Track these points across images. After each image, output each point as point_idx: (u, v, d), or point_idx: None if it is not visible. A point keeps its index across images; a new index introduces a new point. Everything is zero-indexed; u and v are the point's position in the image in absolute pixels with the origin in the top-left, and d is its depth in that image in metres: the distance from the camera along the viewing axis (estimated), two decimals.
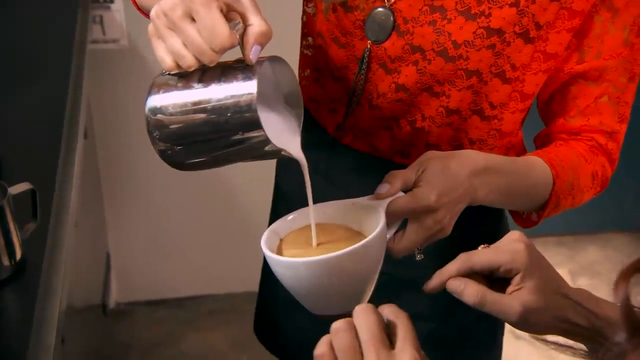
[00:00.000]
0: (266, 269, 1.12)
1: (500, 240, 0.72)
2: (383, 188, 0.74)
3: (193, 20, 0.63)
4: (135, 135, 2.02)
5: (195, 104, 0.65)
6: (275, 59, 0.68)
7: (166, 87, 0.67)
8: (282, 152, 0.68)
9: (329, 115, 0.94)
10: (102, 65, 1.89)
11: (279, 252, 0.72)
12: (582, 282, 2.35)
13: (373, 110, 0.88)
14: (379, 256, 0.71)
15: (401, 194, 0.74)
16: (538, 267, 0.69)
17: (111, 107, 1.98)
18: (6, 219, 0.86)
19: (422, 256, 0.79)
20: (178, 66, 0.65)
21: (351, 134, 0.92)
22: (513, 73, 0.82)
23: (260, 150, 0.66)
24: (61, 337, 0.89)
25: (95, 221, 1.87)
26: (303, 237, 0.74)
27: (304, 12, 0.95)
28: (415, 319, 0.97)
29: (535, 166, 0.84)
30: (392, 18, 0.82)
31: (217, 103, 0.65)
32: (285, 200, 1.06)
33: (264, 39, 0.65)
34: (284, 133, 0.70)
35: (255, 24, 0.65)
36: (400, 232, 0.75)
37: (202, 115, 0.65)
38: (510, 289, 0.69)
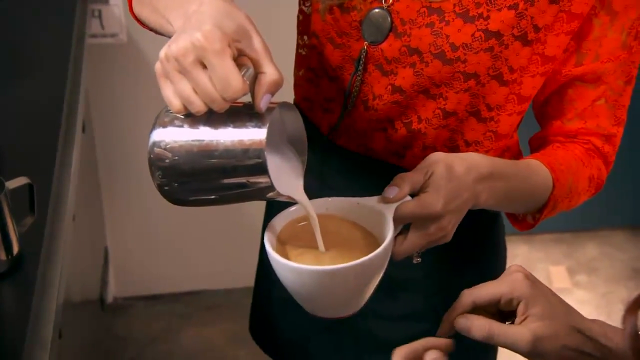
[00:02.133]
0: (261, 269, 1.11)
1: (502, 275, 0.72)
2: (391, 192, 0.73)
3: (204, 66, 0.62)
4: (133, 129, 2.02)
5: (201, 145, 0.65)
6: (284, 106, 0.68)
7: (172, 124, 0.67)
8: (285, 198, 0.68)
9: (324, 115, 0.93)
10: (101, 60, 1.89)
11: (280, 248, 0.72)
12: (580, 279, 2.36)
13: (368, 111, 0.87)
14: (385, 264, 0.71)
15: (408, 198, 0.74)
16: (541, 294, 0.69)
17: (110, 101, 1.97)
18: (3, 213, 0.86)
19: (420, 259, 0.79)
20: (186, 108, 0.64)
21: (345, 135, 0.92)
22: (511, 75, 0.81)
23: (263, 195, 0.66)
24: (58, 331, 0.89)
25: (93, 216, 1.87)
26: (305, 233, 0.74)
27: (300, 10, 0.94)
28: (409, 319, 0.97)
29: (536, 170, 0.83)
30: (389, 19, 0.81)
31: (224, 147, 0.64)
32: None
33: (276, 88, 0.65)
34: (287, 177, 0.70)
35: (269, 73, 0.64)
36: (402, 235, 0.74)
37: (208, 158, 0.65)
38: (517, 320, 0.69)
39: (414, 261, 0.79)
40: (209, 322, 2.16)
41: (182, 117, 0.66)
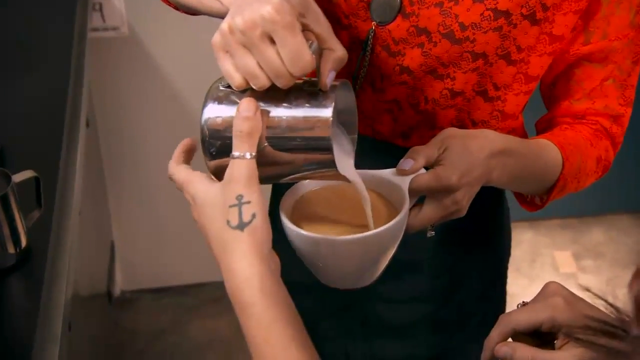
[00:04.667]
0: None
1: (538, 293, 0.70)
2: (407, 164, 0.73)
3: (272, 41, 0.60)
4: (136, 123, 2.02)
5: (263, 123, 0.63)
6: (344, 85, 0.67)
7: (227, 100, 0.65)
8: (341, 178, 0.67)
9: None
10: (103, 53, 1.88)
11: (296, 220, 0.71)
12: (586, 264, 2.35)
13: (376, 93, 0.87)
14: (400, 235, 0.72)
15: (422, 170, 0.74)
16: (581, 317, 0.67)
17: (113, 95, 1.97)
18: (11, 207, 0.86)
19: (433, 233, 0.79)
20: (247, 83, 0.63)
21: None
22: (518, 55, 0.81)
23: (318, 171, 0.65)
24: (68, 324, 0.90)
25: (99, 210, 1.88)
26: (319, 203, 0.73)
27: None
28: (415, 301, 0.97)
29: (546, 149, 0.83)
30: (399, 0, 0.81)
31: (287, 125, 0.63)
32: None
33: (341, 65, 0.64)
34: (341, 155, 0.69)
35: (337, 50, 0.63)
36: (416, 207, 0.75)
37: (270, 136, 0.63)
38: (559, 343, 0.68)
39: (428, 235, 0.79)
40: (216, 313, 2.16)
41: (239, 92, 0.64)
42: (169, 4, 0.85)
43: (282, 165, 0.65)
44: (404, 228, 0.71)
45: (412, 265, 0.94)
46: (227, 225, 0.61)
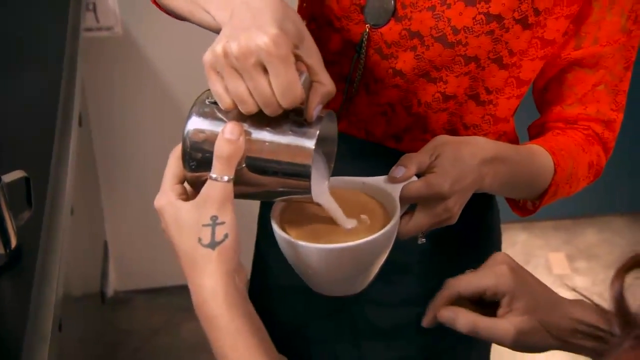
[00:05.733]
0: (258, 257, 1.12)
1: (486, 262, 0.73)
2: (398, 171, 0.73)
3: (265, 70, 0.61)
4: (131, 123, 2.02)
5: (246, 144, 0.64)
6: (329, 116, 0.68)
7: (212, 116, 0.65)
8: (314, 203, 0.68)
9: None
10: (97, 53, 1.88)
11: (286, 226, 0.72)
12: (580, 266, 2.36)
13: (369, 95, 0.87)
14: (391, 242, 0.72)
15: (414, 178, 0.74)
16: (525, 287, 0.70)
17: (106, 95, 1.97)
18: (0, 207, 0.86)
19: (424, 240, 0.79)
20: (235, 105, 0.63)
21: (346, 120, 0.92)
22: (510, 59, 0.81)
23: (293, 195, 0.66)
24: (58, 324, 0.89)
25: (92, 210, 1.87)
26: (310, 209, 0.74)
27: None
28: (404, 304, 0.97)
29: (538, 155, 0.83)
30: (392, 2, 0.81)
31: (269, 150, 0.64)
32: None
33: (328, 99, 0.65)
34: (316, 182, 0.70)
35: (326, 84, 0.64)
36: (407, 214, 0.75)
37: (250, 157, 0.64)
38: (500, 311, 0.70)
39: (419, 241, 0.79)
40: None
41: (224, 111, 0.65)
42: (159, 7, 0.85)
43: (259, 187, 0.66)
44: (394, 236, 0.71)
45: (402, 267, 0.94)
46: (199, 243, 0.63)
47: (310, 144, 0.63)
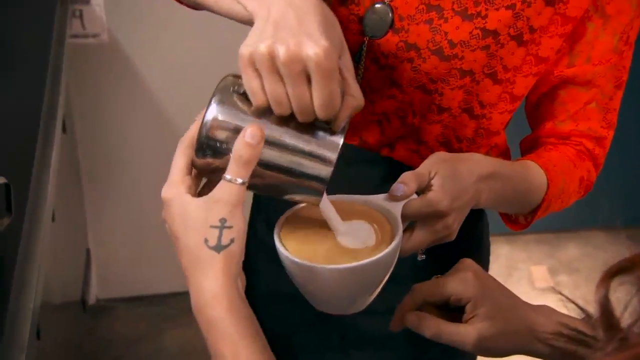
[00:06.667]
0: (246, 264, 1.11)
1: (452, 268, 0.74)
2: (398, 190, 0.73)
3: (308, 77, 0.60)
4: (116, 129, 2.01)
5: (267, 140, 0.63)
6: (347, 126, 0.67)
7: (237, 108, 0.64)
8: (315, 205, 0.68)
9: None
10: (83, 60, 1.88)
11: (285, 231, 0.71)
12: (561, 279, 2.37)
13: (365, 105, 0.88)
14: (394, 261, 0.71)
15: (414, 195, 0.74)
16: (488, 294, 0.71)
17: (92, 102, 1.97)
18: None
19: (424, 257, 0.80)
20: (268, 104, 0.62)
21: None
22: (504, 74, 0.82)
23: (301, 197, 0.66)
24: (36, 332, 0.89)
25: (74, 217, 1.86)
26: (314, 223, 0.73)
27: None
28: (392, 313, 0.97)
29: (532, 171, 0.84)
30: (390, 15, 0.82)
31: (291, 151, 0.63)
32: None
33: (357, 112, 0.65)
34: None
35: (357, 97, 0.64)
36: (407, 232, 0.75)
37: (270, 155, 0.64)
38: (464, 317, 0.71)
39: (419, 258, 0.80)
40: (192, 323, 2.13)
41: (256, 106, 0.64)
42: None
43: (270, 185, 0.65)
44: (397, 255, 0.71)
45: (393, 278, 0.95)
46: (205, 244, 0.62)
47: (334, 155, 0.63)
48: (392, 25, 0.82)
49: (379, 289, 0.73)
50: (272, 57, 0.60)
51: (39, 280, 0.92)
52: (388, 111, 0.87)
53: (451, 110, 0.85)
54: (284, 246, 0.69)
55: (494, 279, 0.74)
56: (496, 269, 2.39)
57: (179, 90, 1.96)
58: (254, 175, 0.64)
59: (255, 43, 0.61)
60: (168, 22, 1.84)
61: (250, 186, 0.65)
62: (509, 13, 0.79)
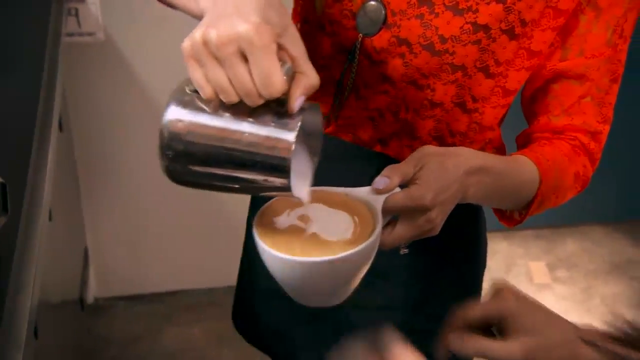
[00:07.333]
0: (245, 260, 1.11)
1: (488, 291, 0.74)
2: (381, 183, 0.72)
3: (245, 58, 0.59)
4: (112, 129, 2.01)
5: (224, 134, 0.63)
6: (313, 108, 0.66)
7: (192, 105, 0.64)
8: (294, 198, 0.67)
9: None
10: (79, 59, 1.88)
11: (270, 236, 0.70)
12: (560, 274, 2.37)
13: (359, 101, 0.88)
14: (372, 255, 0.71)
15: (397, 189, 0.74)
16: (528, 309, 0.71)
17: (88, 100, 1.96)
18: None
19: (407, 250, 0.79)
20: (216, 94, 0.62)
21: (335, 124, 0.92)
22: (497, 68, 0.82)
23: (272, 190, 0.65)
24: (34, 331, 0.88)
25: (72, 216, 1.86)
26: (292, 215, 0.73)
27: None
28: (387, 309, 0.98)
29: (523, 166, 0.84)
30: (383, 12, 0.82)
31: (249, 141, 0.62)
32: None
33: (312, 92, 0.64)
34: (298, 176, 0.68)
35: (310, 75, 0.63)
36: (389, 225, 0.74)
37: (229, 148, 0.63)
38: (507, 332, 0.71)
39: (401, 252, 0.79)
40: (190, 321, 2.15)
41: (204, 100, 0.63)
42: None
43: (239, 179, 0.64)
44: (376, 248, 0.71)
45: (386, 273, 0.95)
46: None
47: (291, 136, 0.62)
48: (385, 22, 0.82)
49: (357, 282, 0.72)
50: (206, 43, 0.60)
51: (36, 279, 0.92)
52: (381, 107, 0.87)
53: (444, 105, 0.85)
54: (261, 239, 0.68)
55: (531, 297, 0.73)
56: (494, 265, 2.39)
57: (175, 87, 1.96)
58: (220, 174, 0.64)
59: (192, 34, 0.61)
60: (164, 20, 1.84)
61: (221, 188, 0.65)
62: (500, 7, 0.78)
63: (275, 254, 0.67)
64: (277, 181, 0.63)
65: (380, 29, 0.82)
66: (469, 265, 1.02)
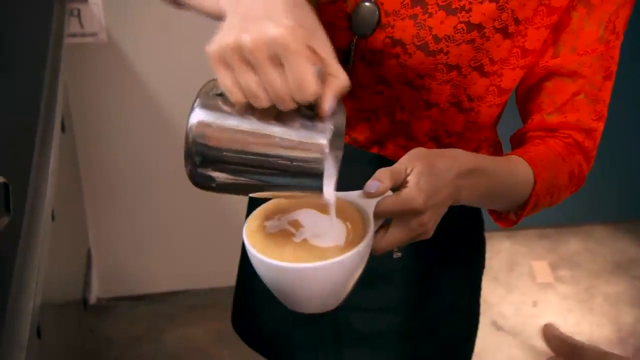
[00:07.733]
0: (244, 262, 1.12)
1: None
2: (372, 187, 0.71)
3: (277, 62, 0.58)
4: (115, 130, 2.01)
5: (255, 138, 0.62)
6: (340, 108, 0.65)
7: (220, 110, 0.63)
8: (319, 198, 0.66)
9: None
10: (81, 59, 1.88)
11: (261, 241, 0.70)
12: (563, 274, 2.37)
13: (354, 102, 0.88)
14: (365, 260, 0.70)
15: (389, 192, 0.73)
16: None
17: (90, 101, 1.97)
18: None
19: (400, 254, 0.79)
20: (245, 99, 0.61)
21: None
22: (491, 67, 0.82)
23: (300, 191, 0.64)
24: (36, 331, 0.89)
25: (74, 217, 1.86)
26: (284, 220, 0.72)
27: None
28: (386, 311, 0.98)
29: (517, 166, 0.83)
30: (377, 13, 0.82)
31: (281, 145, 0.61)
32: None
33: (343, 93, 0.63)
34: (326, 180, 0.66)
35: (341, 78, 0.62)
36: (382, 229, 0.73)
37: (260, 153, 0.62)
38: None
39: (395, 256, 0.79)
40: (193, 322, 2.15)
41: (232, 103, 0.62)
42: None
43: (268, 183, 0.64)
44: (368, 253, 0.70)
45: (384, 275, 0.95)
46: None
47: (324, 139, 0.61)
48: (379, 23, 0.82)
49: (349, 287, 0.71)
50: (239, 48, 0.59)
51: (38, 279, 0.92)
52: (376, 108, 0.87)
53: (439, 105, 0.85)
54: (252, 245, 0.68)
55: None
56: (497, 264, 2.39)
57: (178, 88, 1.96)
58: (249, 180, 0.63)
59: (221, 38, 0.60)
60: (166, 21, 1.84)
61: (246, 190, 0.64)
62: (493, 6, 0.78)
63: (266, 260, 0.66)
64: (310, 184, 0.63)
65: (374, 30, 0.82)
66: (468, 265, 1.02)
